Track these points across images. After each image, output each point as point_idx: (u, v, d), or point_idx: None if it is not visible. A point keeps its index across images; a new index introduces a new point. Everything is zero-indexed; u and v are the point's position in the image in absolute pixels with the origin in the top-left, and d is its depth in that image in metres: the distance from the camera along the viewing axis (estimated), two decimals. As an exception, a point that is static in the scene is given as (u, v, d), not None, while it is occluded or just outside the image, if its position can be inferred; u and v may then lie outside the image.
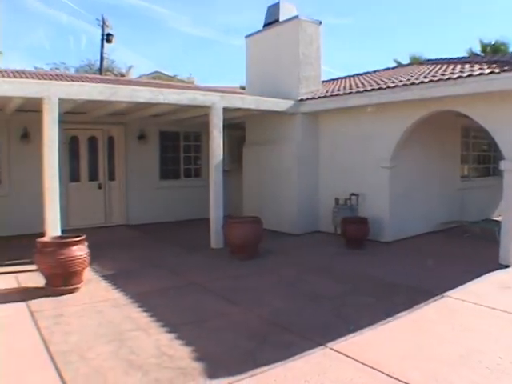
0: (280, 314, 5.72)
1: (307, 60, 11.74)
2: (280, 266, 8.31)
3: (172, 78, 30.01)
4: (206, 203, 10.45)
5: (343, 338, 4.87)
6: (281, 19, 12.25)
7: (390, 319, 5.44)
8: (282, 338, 4.98)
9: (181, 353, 4.56)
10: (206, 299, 6.39)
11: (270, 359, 4.39)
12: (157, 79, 24.82)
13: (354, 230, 9.63)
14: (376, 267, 8.10)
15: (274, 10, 12.61)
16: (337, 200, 10.79)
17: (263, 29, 12.76)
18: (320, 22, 12.02)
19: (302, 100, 11.41)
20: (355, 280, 7.28)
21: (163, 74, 30.73)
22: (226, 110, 9.94)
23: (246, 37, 13.25)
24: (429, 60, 14.10)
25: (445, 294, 6.39)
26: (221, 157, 9.87)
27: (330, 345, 4.71)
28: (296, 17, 11.78)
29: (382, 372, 4.11)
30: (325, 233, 11.38)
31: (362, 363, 4.29)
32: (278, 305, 6.08)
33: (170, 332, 5.09)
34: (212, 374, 4.12)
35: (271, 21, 12.53)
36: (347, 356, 4.46)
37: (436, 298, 6.23)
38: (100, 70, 28.25)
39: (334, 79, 15.05)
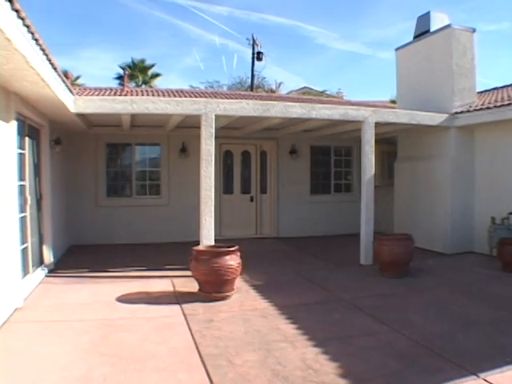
0: (429, 337, 5.38)
1: (461, 71, 11.07)
2: (430, 286, 7.86)
3: (321, 93, 30.18)
4: (355, 219, 10.32)
5: (498, 370, 4.41)
6: (432, 29, 11.69)
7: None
8: (432, 362, 4.68)
9: (326, 368, 4.49)
10: (353, 316, 6.25)
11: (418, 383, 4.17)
12: (306, 95, 25.13)
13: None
14: (538, 294, 7.31)
15: (424, 21, 12.10)
16: (493, 219, 10.00)
17: (413, 40, 12.30)
18: (474, 30, 11.27)
19: (456, 113, 10.78)
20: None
21: (312, 89, 31.05)
22: (377, 124, 9.75)
23: (396, 49, 12.88)
24: None
25: None
26: (372, 172, 9.68)
27: (482, 375, 4.30)
28: (448, 26, 11.16)
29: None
30: (479, 254, 10.57)
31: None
32: (427, 327, 5.75)
33: (316, 346, 5.05)
34: (357, 391, 4.00)
35: (422, 32, 12.03)
36: (502, 389, 4.06)
37: None
38: (251, 87, 29.40)
39: (489, 90, 13.99)
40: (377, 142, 9.84)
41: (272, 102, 9.55)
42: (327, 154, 14.34)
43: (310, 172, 14.03)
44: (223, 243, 7.64)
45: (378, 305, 6.73)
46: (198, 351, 4.89)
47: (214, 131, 8.51)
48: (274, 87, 33.55)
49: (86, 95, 9.39)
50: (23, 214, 7.11)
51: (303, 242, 12.65)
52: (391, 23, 62.94)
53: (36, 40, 4.90)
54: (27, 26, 4.45)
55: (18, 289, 6.35)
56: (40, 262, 8.46)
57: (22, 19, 4.24)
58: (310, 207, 13.75)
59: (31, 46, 4.82)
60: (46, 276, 8.34)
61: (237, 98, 11.85)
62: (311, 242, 12.69)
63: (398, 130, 11.79)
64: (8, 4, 3.81)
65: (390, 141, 13.11)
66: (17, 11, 4.03)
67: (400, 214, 12.34)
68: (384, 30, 61.13)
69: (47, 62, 5.69)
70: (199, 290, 7.04)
